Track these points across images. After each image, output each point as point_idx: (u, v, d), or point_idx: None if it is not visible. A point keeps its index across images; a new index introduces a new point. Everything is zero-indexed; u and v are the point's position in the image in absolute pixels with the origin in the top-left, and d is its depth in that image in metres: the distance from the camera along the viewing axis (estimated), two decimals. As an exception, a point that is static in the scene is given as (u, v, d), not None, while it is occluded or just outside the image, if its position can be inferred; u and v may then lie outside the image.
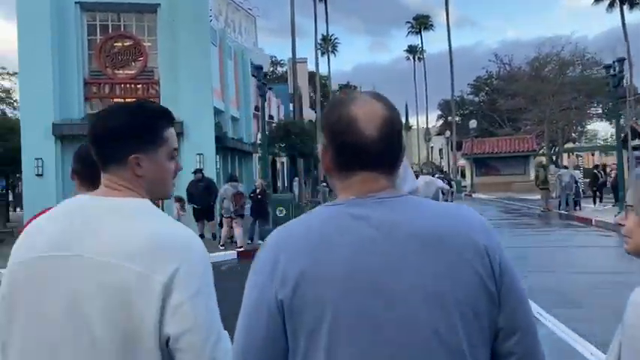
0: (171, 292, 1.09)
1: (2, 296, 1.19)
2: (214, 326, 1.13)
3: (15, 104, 35.37)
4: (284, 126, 20.82)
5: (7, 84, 37.29)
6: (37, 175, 13.44)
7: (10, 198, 27.67)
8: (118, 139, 1.22)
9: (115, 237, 1.13)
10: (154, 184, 1.27)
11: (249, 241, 12.84)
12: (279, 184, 30.47)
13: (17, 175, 25.70)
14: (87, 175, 1.74)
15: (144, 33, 14.79)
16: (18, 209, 29.02)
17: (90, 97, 14.40)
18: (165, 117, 1.28)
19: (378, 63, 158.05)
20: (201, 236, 13.91)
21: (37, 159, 13.45)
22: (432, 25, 56.38)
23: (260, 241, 12.71)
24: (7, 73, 37.55)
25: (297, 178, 23.53)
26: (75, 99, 14.07)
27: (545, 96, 31.40)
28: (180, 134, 14.04)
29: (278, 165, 30.79)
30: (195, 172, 13.71)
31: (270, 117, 29.61)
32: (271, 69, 45.04)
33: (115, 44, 14.57)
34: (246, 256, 12.00)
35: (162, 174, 1.27)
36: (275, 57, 55.37)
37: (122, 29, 14.66)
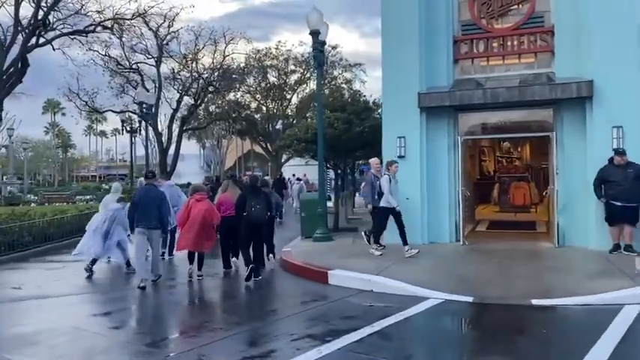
0: None
1: None
2: None
3: (357, 95, 36.82)
4: None
5: (348, 75, 39.42)
6: (399, 156, 11.11)
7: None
8: None
9: None
10: None
11: None
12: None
13: (355, 163, 25.31)
14: None
15: (531, -34, 10.99)
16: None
17: (459, 59, 11.40)
18: None
19: None
20: (617, 246, 9.48)
21: (399, 137, 11.15)
22: None
23: None
24: (349, 65, 39.67)
25: None
26: (443, 62, 11.26)
27: None
28: (588, 98, 9.81)
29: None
30: (617, 153, 9.36)
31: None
32: None
33: (492, -12, 11.21)
34: None
35: None
36: None
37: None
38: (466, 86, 10.74)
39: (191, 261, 9.12)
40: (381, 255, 9.64)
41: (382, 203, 9.69)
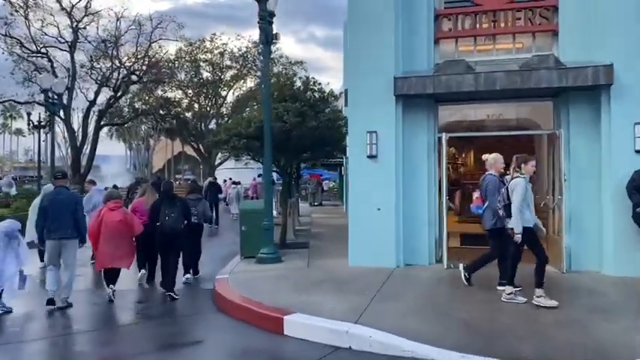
0: None
1: None
2: None
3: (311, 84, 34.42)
4: None
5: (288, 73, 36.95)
6: (370, 156, 8.79)
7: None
8: None
9: None
10: None
11: None
12: None
13: (303, 165, 22.77)
14: None
15: None
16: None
17: (441, 38, 9.24)
18: None
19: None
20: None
21: (369, 133, 8.82)
22: None
23: None
24: (290, 63, 37.24)
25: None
26: (422, 41, 9.07)
27: None
28: (605, 87, 7.86)
29: None
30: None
31: None
32: None
33: (482, -48, 9.14)
34: None
35: None
36: None
37: None
38: (454, 70, 8.56)
39: (108, 281, 7.62)
40: (525, 302, 6.40)
41: (513, 223, 6.31)
